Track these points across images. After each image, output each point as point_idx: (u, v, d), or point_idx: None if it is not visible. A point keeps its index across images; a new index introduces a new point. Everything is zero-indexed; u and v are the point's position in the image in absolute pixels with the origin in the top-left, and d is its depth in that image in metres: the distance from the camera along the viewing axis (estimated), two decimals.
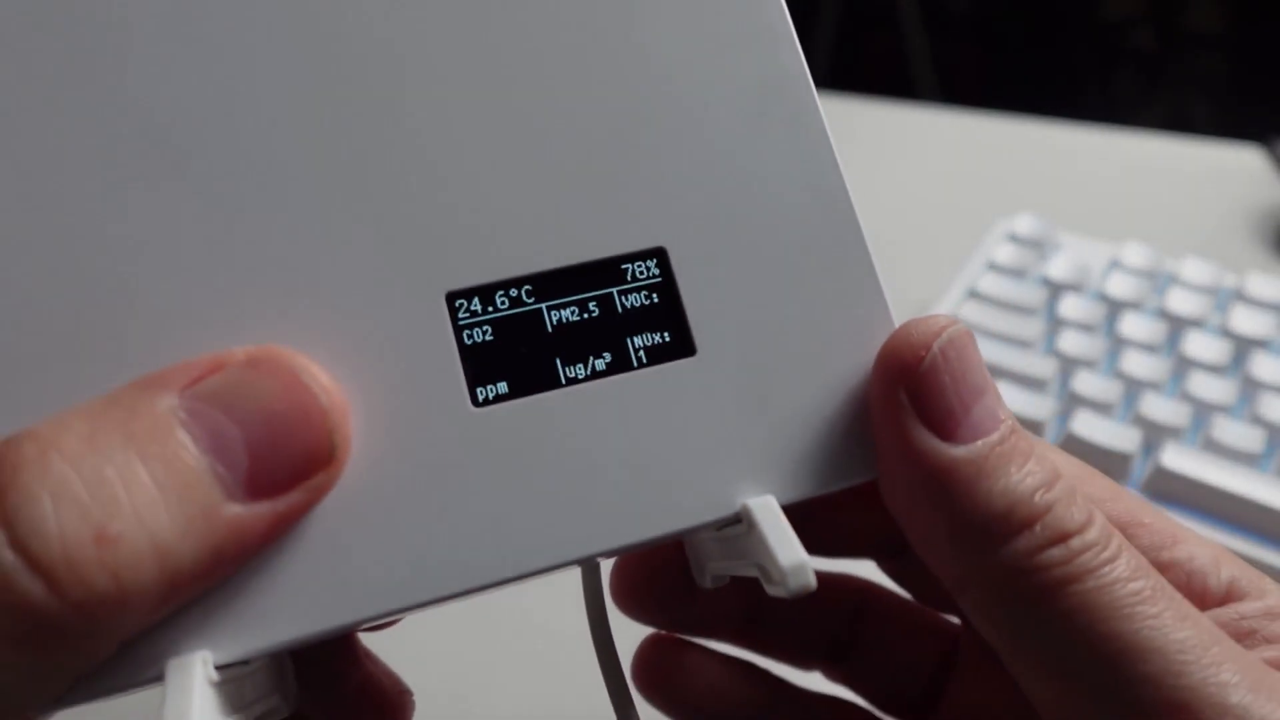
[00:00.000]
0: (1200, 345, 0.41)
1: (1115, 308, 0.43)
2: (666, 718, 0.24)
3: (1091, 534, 0.16)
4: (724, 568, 0.19)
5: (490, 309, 0.16)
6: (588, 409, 0.16)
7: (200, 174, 0.16)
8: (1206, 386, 0.39)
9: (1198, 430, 0.38)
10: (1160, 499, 0.36)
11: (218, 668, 0.14)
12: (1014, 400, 0.38)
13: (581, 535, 0.16)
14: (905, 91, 1.15)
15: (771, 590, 0.16)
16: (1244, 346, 0.41)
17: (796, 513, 0.16)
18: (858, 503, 0.18)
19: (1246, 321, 0.41)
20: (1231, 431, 0.37)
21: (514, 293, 0.17)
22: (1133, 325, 0.42)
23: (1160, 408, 0.38)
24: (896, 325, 0.17)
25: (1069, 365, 0.41)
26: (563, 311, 0.17)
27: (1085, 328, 0.42)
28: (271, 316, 0.16)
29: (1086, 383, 0.39)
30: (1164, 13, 1.48)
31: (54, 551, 0.12)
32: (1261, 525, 0.35)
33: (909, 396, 0.16)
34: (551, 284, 0.17)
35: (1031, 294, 0.43)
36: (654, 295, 0.17)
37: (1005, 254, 0.45)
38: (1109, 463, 0.36)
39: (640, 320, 0.17)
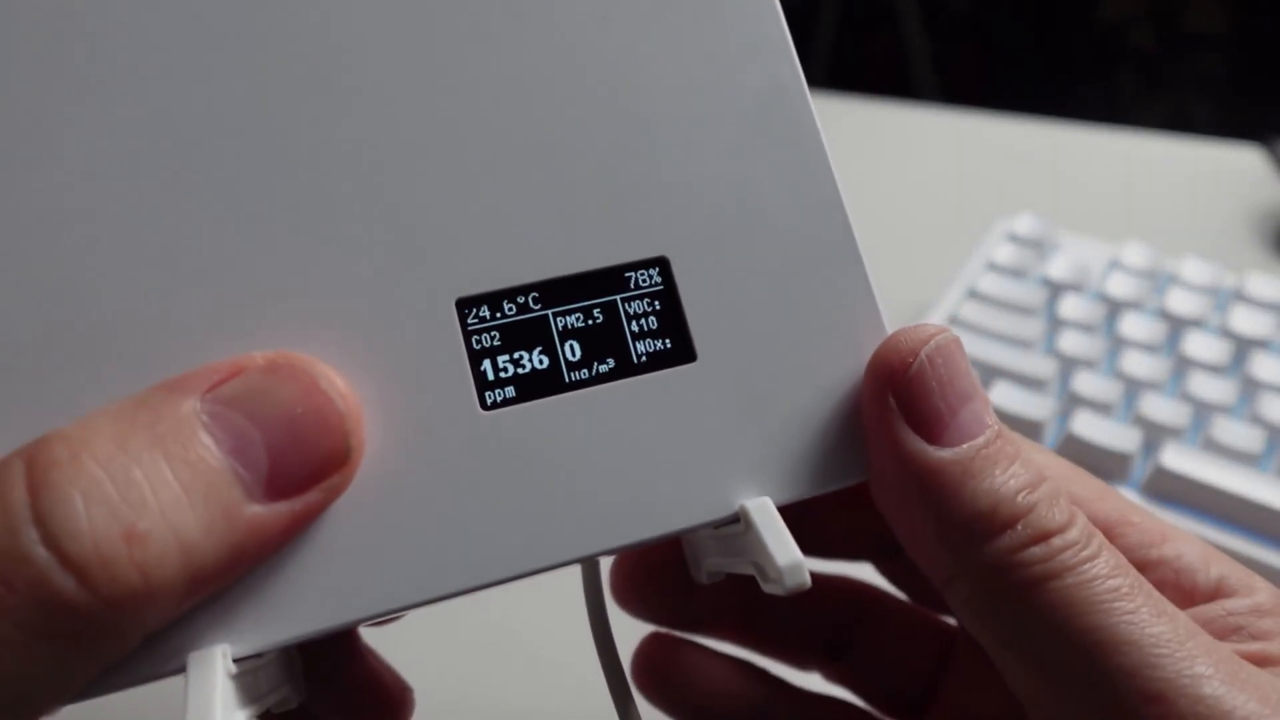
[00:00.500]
0: (1200, 345, 0.41)
1: (1115, 308, 0.43)
2: (666, 715, 0.24)
3: (1072, 533, 0.16)
4: (721, 565, 0.19)
5: (498, 315, 0.17)
6: (592, 413, 0.17)
7: (220, 185, 0.16)
8: (1206, 386, 0.39)
9: (1198, 430, 0.38)
10: (1160, 499, 0.36)
11: (235, 660, 0.15)
12: (1014, 400, 0.38)
13: (585, 534, 0.16)
14: (905, 91, 1.15)
15: (767, 588, 0.17)
16: (1244, 346, 0.41)
17: (793, 514, 0.17)
18: (854, 505, 0.18)
19: (1246, 321, 0.41)
20: (1231, 431, 0.37)
21: (521, 299, 0.17)
22: (1133, 325, 0.42)
23: (1160, 408, 0.38)
24: (889, 332, 0.18)
25: (1069, 365, 0.41)
26: (568, 318, 0.17)
27: (1085, 328, 0.42)
28: (288, 323, 0.16)
29: (1086, 383, 0.39)
30: (1164, 12, 1.48)
31: (86, 549, 0.13)
32: (1261, 525, 0.35)
33: (897, 401, 0.17)
34: (557, 291, 0.17)
35: (1031, 294, 0.43)
36: (656, 303, 0.18)
37: (1005, 254, 0.45)
38: (1109, 463, 0.36)
39: (643, 327, 0.17)
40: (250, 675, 0.16)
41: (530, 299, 0.17)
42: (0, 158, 0.16)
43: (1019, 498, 0.16)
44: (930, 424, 0.16)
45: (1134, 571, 0.16)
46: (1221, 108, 1.40)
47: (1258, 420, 0.38)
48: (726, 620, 0.24)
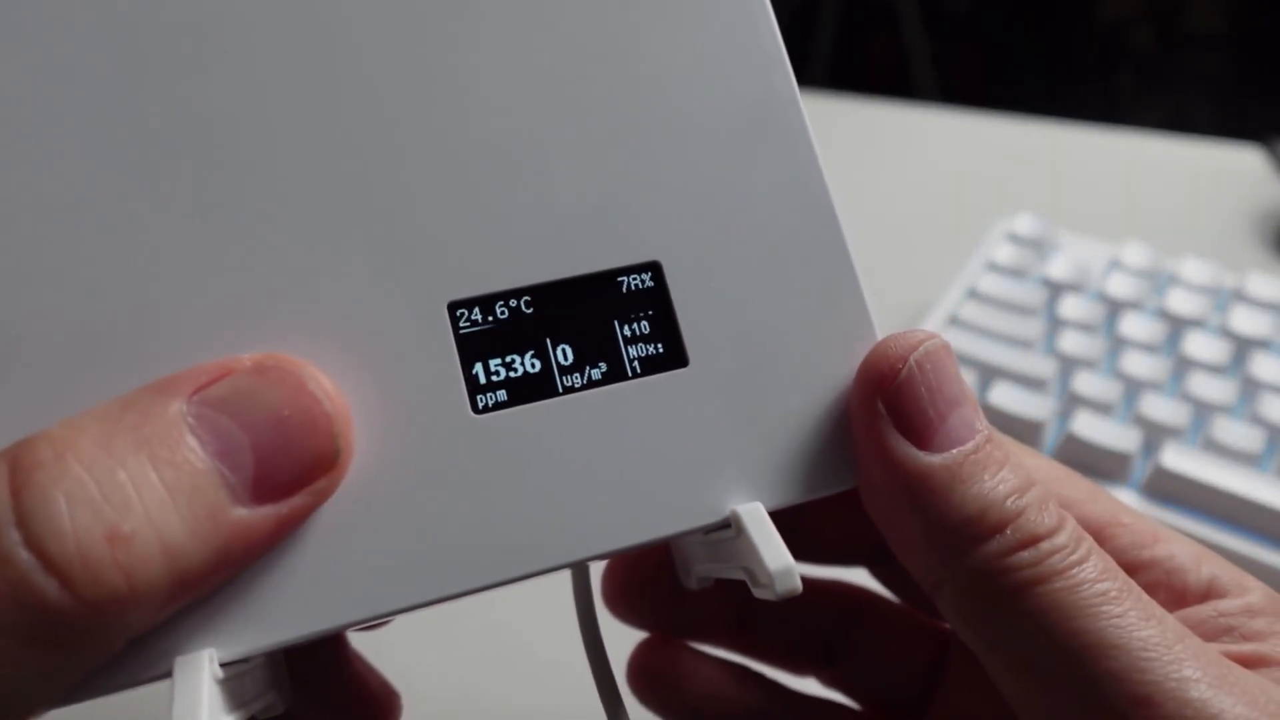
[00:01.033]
0: (1200, 345, 0.41)
1: (1115, 308, 0.43)
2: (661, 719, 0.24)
3: (1061, 538, 0.16)
4: (710, 570, 0.19)
5: (490, 318, 0.17)
6: (583, 417, 0.17)
7: (210, 186, 0.16)
8: (1206, 386, 0.39)
9: (1198, 430, 0.38)
10: (1160, 499, 0.36)
11: (222, 665, 0.15)
12: (1014, 400, 0.38)
13: (575, 539, 0.16)
14: (905, 91, 1.15)
15: (758, 593, 0.17)
16: (1244, 346, 0.41)
17: (785, 519, 0.17)
18: (847, 510, 0.18)
19: (1246, 321, 0.41)
20: (1231, 431, 0.37)
21: (514, 303, 0.17)
22: (1133, 325, 0.42)
23: (1160, 408, 0.38)
24: (880, 338, 0.18)
25: (1069, 365, 0.41)
26: (560, 322, 0.17)
27: (1085, 328, 0.42)
28: (278, 324, 0.16)
29: (1086, 383, 0.39)
30: (1164, 12, 1.48)
31: (69, 550, 0.13)
32: (1261, 525, 0.35)
33: (887, 407, 0.17)
34: (550, 295, 0.17)
35: (1031, 294, 0.43)
36: (649, 308, 0.18)
37: (1005, 254, 0.45)
38: (1109, 463, 0.36)
39: (636, 332, 0.17)
40: (237, 680, 0.16)
41: (523, 302, 0.17)
42: None
43: (1008, 502, 0.16)
44: (919, 430, 0.16)
45: (1123, 575, 0.16)
46: (1221, 108, 1.40)
47: (1258, 420, 0.38)
48: (719, 626, 0.24)
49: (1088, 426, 0.37)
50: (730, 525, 0.17)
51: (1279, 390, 0.39)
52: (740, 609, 0.24)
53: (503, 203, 0.17)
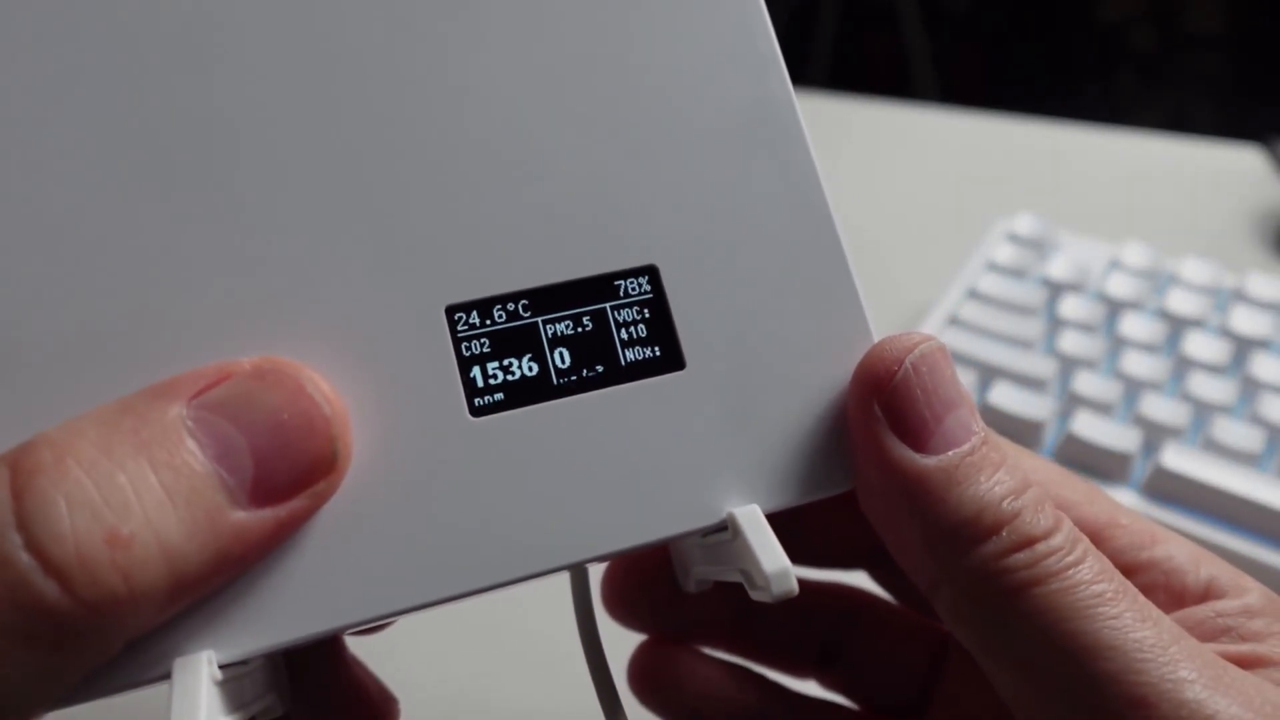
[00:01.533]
0: (1200, 345, 0.41)
1: (1115, 308, 0.43)
2: None
3: (1056, 539, 0.16)
4: (708, 573, 0.19)
5: (488, 322, 0.17)
6: (581, 420, 0.17)
7: (209, 191, 0.16)
8: (1206, 386, 0.39)
9: (1198, 430, 0.38)
10: (1160, 499, 0.36)
11: (221, 667, 0.15)
12: (1014, 400, 0.38)
13: (573, 541, 0.16)
14: (905, 91, 1.15)
15: (755, 595, 0.17)
16: (1244, 346, 0.41)
17: (784, 522, 0.17)
18: (846, 513, 0.18)
19: (1246, 321, 0.41)
20: (1231, 431, 0.37)
21: (511, 306, 0.17)
22: (1133, 325, 0.42)
23: (1160, 408, 0.38)
24: (876, 340, 0.18)
25: (1069, 365, 0.41)
26: (558, 325, 0.17)
27: (1085, 328, 0.42)
28: (277, 328, 0.16)
29: (1086, 383, 0.39)
30: (1164, 13, 1.48)
31: (68, 552, 0.13)
32: (1261, 525, 0.35)
33: (883, 409, 0.17)
34: (547, 299, 0.17)
35: (1031, 294, 0.43)
36: (645, 311, 0.18)
37: (1005, 254, 0.45)
38: (1109, 463, 0.36)
39: (632, 335, 0.17)
40: (235, 683, 0.16)
41: (520, 306, 0.17)
42: None
43: (1004, 504, 0.16)
44: (915, 432, 0.16)
45: (1119, 576, 0.16)
46: (1221, 108, 1.40)
47: (1258, 420, 0.38)
48: (718, 629, 0.24)
49: (1088, 426, 0.37)
50: (727, 528, 0.17)
51: (1279, 390, 0.39)
52: (739, 611, 0.24)
53: (500, 206, 0.17)
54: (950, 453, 0.16)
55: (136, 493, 0.13)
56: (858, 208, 0.53)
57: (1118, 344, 0.41)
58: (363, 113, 0.17)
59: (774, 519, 0.17)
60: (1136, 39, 1.49)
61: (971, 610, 0.16)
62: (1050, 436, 0.38)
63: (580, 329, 0.17)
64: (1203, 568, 0.19)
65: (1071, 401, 0.39)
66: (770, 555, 0.16)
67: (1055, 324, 0.43)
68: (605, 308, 0.17)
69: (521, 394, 0.17)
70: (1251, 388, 0.39)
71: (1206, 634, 0.18)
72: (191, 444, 0.14)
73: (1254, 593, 0.19)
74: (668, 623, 0.24)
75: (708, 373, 0.17)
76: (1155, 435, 0.38)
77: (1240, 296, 0.43)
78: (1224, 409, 0.38)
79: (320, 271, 0.16)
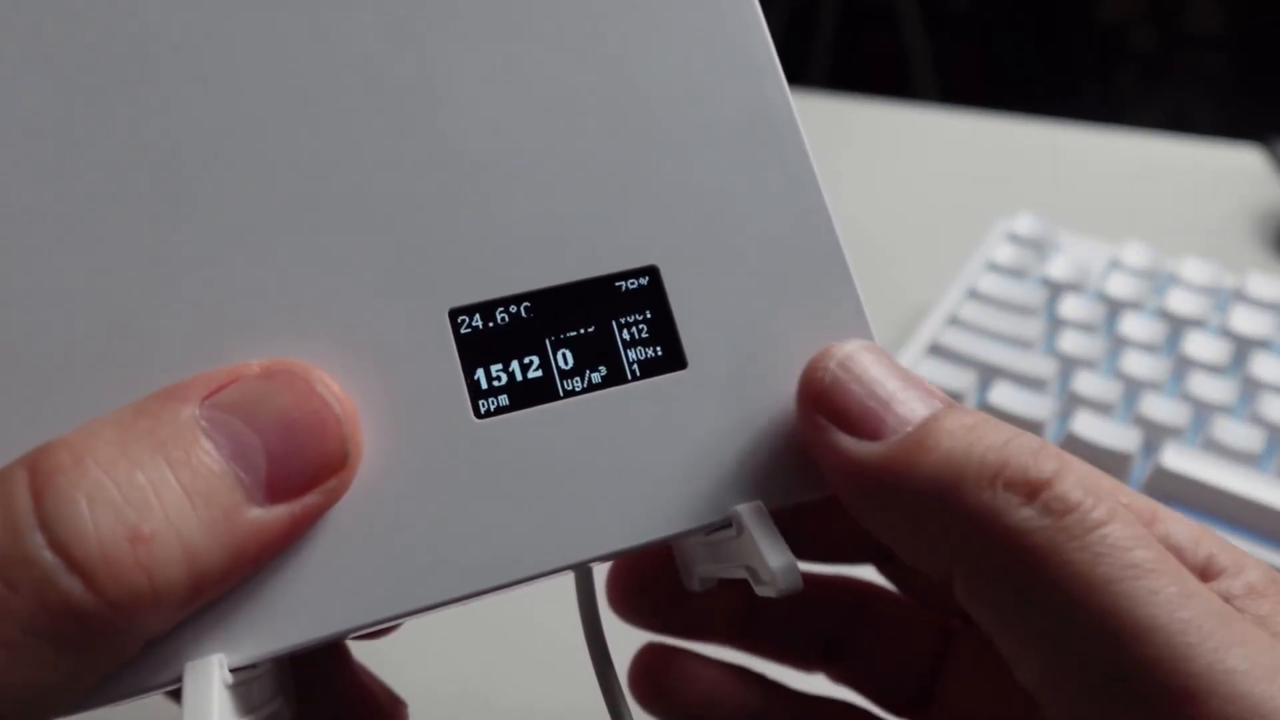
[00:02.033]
0: (1200, 345, 0.41)
1: (1115, 308, 0.43)
2: None
3: (1073, 492, 0.14)
4: (712, 571, 0.20)
5: (491, 324, 0.17)
6: (584, 420, 0.17)
7: (217, 199, 0.17)
8: (1206, 386, 0.39)
9: (1198, 430, 0.38)
10: (1160, 499, 0.36)
11: (231, 670, 0.15)
12: (1014, 400, 0.38)
13: (578, 541, 0.16)
14: (905, 91, 1.15)
15: (761, 591, 0.17)
16: (1244, 346, 0.41)
17: (790, 521, 0.17)
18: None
19: (1246, 321, 0.41)
20: (1231, 431, 0.37)
21: (514, 309, 0.17)
22: (1133, 325, 0.42)
23: (1160, 408, 0.38)
24: (875, 339, 0.18)
25: (1069, 365, 0.41)
26: (560, 327, 0.17)
27: (1085, 328, 0.42)
28: (285, 333, 0.16)
29: (1086, 383, 0.39)
30: (1164, 13, 1.48)
31: (92, 551, 0.13)
32: (1261, 525, 0.35)
33: (826, 414, 0.16)
34: (550, 301, 0.17)
35: (1031, 294, 0.43)
36: (647, 311, 0.18)
37: (1005, 254, 0.45)
38: (1109, 463, 0.36)
39: (634, 335, 0.18)
40: (245, 687, 0.16)
41: (523, 308, 0.17)
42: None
43: (986, 456, 0.15)
44: (864, 422, 0.16)
45: (1155, 542, 0.14)
46: (1221, 108, 1.40)
47: (1258, 420, 0.38)
48: (725, 626, 0.24)
49: (1088, 426, 0.37)
50: (731, 525, 0.17)
51: (1279, 390, 0.39)
52: (745, 608, 0.24)
53: (502, 210, 0.17)
54: (909, 426, 0.16)
55: (156, 492, 0.13)
56: (858, 208, 0.53)
57: (1118, 344, 0.41)
58: (367, 121, 0.17)
59: (777, 515, 0.17)
60: (1136, 39, 1.49)
61: (988, 587, 0.15)
62: (1050, 436, 0.38)
63: (583, 330, 0.17)
64: (1201, 546, 0.18)
65: (1071, 401, 0.39)
66: (775, 550, 0.16)
67: (1055, 324, 0.43)
68: (607, 309, 0.18)
69: (525, 396, 0.17)
70: (1251, 388, 0.39)
71: None
72: (207, 444, 0.14)
73: (1254, 570, 0.17)
74: (674, 621, 0.24)
75: (710, 372, 0.18)
76: (1155, 435, 0.38)
77: (1240, 296, 0.43)
78: (1224, 409, 0.38)
79: (326, 276, 0.17)
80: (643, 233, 0.18)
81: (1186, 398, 0.39)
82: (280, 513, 0.15)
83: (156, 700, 0.15)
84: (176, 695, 0.16)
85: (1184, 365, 0.40)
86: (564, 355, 0.17)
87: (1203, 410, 0.38)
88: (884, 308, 0.46)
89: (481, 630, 0.34)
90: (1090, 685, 0.14)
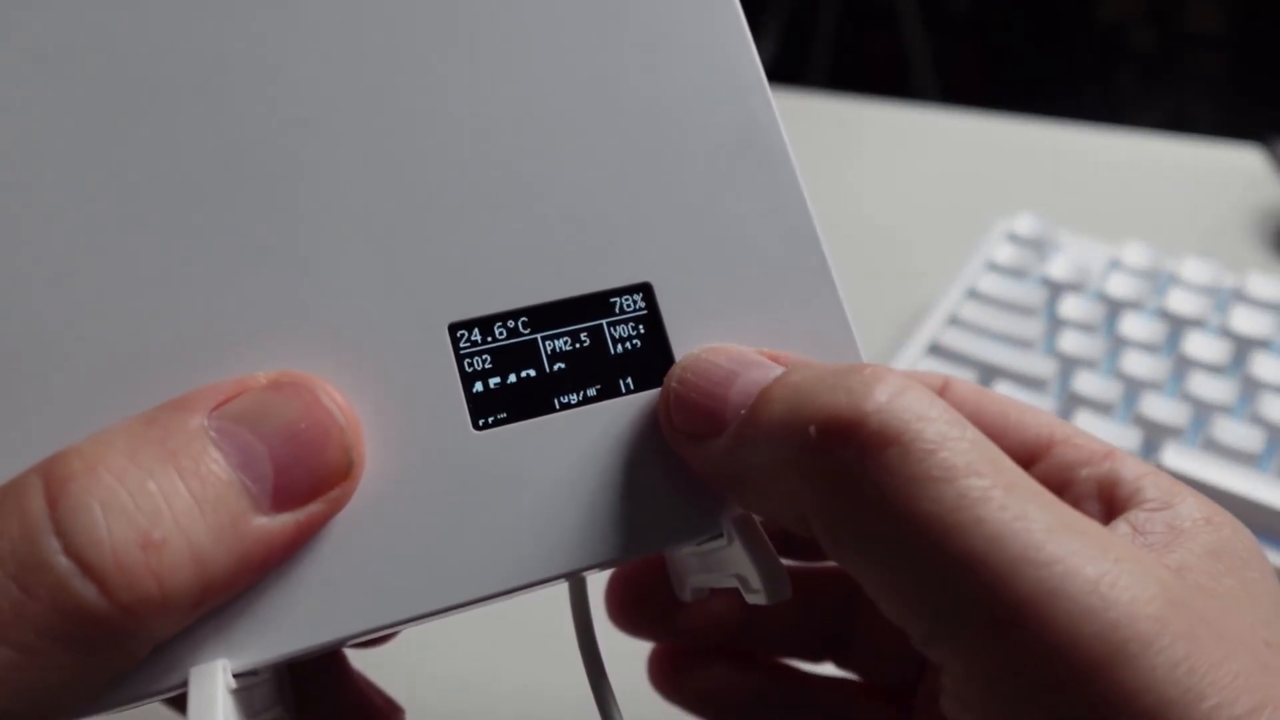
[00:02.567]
0: (1200, 345, 0.41)
1: (1115, 308, 0.43)
2: (687, 711, 0.25)
3: (875, 422, 0.14)
4: (704, 581, 0.20)
5: (489, 339, 0.18)
6: (579, 433, 0.17)
7: (224, 217, 0.17)
8: (1206, 386, 0.39)
9: (1198, 430, 0.38)
10: None
11: (234, 676, 0.15)
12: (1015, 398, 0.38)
13: (573, 551, 0.17)
14: (905, 91, 1.15)
15: (751, 599, 0.17)
16: (1244, 346, 0.41)
17: (780, 526, 0.17)
18: None
19: (1246, 321, 0.41)
20: (1231, 431, 0.37)
21: (511, 324, 0.18)
22: (1133, 325, 0.42)
23: (1160, 408, 0.38)
24: (861, 353, 0.18)
25: (1069, 365, 0.41)
26: (556, 341, 0.18)
27: (1085, 328, 0.42)
28: (290, 345, 0.17)
29: (1086, 383, 0.39)
30: (1164, 13, 1.48)
31: (105, 556, 0.13)
32: (1261, 525, 0.35)
33: (682, 432, 0.17)
34: (546, 316, 0.18)
35: (1031, 294, 0.43)
36: (640, 326, 0.18)
37: (1005, 254, 0.45)
38: None
39: (628, 350, 0.18)
40: (247, 692, 0.16)
41: (520, 323, 0.18)
42: (13, 188, 0.16)
43: (802, 410, 0.15)
44: (709, 421, 0.16)
45: (968, 435, 0.14)
46: (1221, 108, 1.40)
47: (1258, 420, 0.38)
48: (725, 632, 0.25)
49: (1088, 426, 0.37)
50: (722, 535, 0.18)
51: (1279, 390, 0.39)
52: (744, 611, 0.24)
53: (500, 229, 0.18)
54: (744, 410, 0.16)
55: (166, 499, 0.14)
56: (858, 208, 0.53)
57: (1118, 344, 0.41)
58: (367, 139, 0.18)
59: (768, 525, 0.17)
60: (1136, 39, 1.49)
61: (836, 543, 0.15)
62: None
63: (578, 344, 0.18)
64: (1144, 480, 0.18)
65: (1071, 401, 0.39)
66: (764, 560, 0.17)
67: (1055, 324, 0.43)
68: (602, 324, 0.18)
69: (523, 408, 0.17)
70: (1251, 388, 0.39)
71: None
72: (215, 453, 0.14)
73: (1184, 503, 0.17)
74: (675, 630, 0.25)
75: None
76: (1155, 435, 0.38)
77: (1240, 296, 0.43)
78: (1224, 409, 0.38)
79: (330, 291, 0.17)
80: (637, 250, 0.18)
81: (1186, 398, 0.39)
82: (286, 521, 0.15)
83: (156, 708, 0.15)
84: (177, 702, 0.16)
85: (1184, 365, 0.40)
86: (560, 369, 0.18)
87: (1203, 410, 0.38)
88: (884, 308, 0.46)
89: (479, 636, 0.34)
90: (931, 615, 0.14)
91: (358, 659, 0.23)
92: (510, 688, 0.33)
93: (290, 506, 0.15)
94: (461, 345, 0.17)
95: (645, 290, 0.18)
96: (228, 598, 0.15)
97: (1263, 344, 0.41)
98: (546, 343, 0.18)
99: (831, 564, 0.25)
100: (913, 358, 0.41)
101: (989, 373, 0.40)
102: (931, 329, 0.42)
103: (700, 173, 0.19)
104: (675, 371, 0.17)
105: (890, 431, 0.14)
